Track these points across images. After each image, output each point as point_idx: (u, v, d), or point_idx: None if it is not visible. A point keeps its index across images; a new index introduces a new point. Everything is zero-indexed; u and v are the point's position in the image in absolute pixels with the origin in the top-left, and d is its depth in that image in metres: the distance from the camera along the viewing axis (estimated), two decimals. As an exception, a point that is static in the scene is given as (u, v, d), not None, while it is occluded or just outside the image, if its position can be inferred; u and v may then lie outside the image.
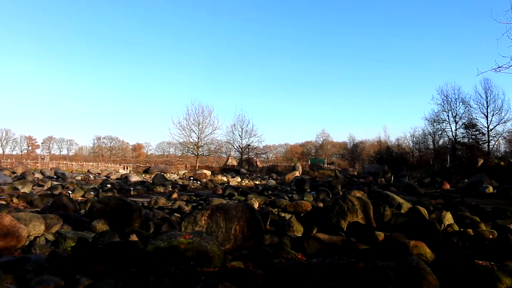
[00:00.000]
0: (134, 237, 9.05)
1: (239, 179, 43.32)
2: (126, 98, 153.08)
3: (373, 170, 52.02)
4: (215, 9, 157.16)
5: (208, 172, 48.72)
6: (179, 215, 13.79)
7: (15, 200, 17.56)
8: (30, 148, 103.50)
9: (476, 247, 8.26)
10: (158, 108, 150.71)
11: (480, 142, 58.99)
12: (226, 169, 63.37)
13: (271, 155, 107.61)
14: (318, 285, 5.58)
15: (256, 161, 73.91)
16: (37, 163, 62.71)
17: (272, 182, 40.68)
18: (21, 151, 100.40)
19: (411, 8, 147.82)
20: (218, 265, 6.45)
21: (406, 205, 14.19)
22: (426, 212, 12.55)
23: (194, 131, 64.66)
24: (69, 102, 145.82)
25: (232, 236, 8.60)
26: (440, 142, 65.97)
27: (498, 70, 11.47)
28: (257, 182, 40.08)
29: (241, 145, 70.69)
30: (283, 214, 14.87)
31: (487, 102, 56.05)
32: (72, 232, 9.18)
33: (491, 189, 26.39)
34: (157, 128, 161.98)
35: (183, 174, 52.70)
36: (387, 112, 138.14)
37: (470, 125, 59.62)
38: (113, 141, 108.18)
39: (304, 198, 19.50)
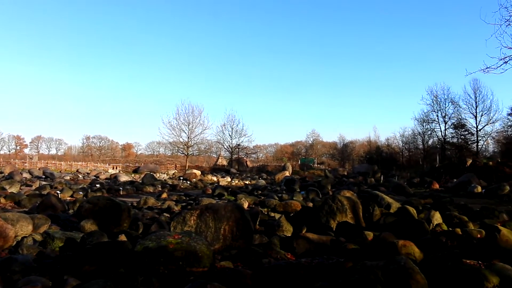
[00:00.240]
0: (123, 237, 9.01)
1: (229, 179, 43.30)
2: (116, 98, 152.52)
3: (363, 170, 52.22)
4: (205, 9, 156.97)
5: (198, 172, 48.68)
6: (169, 215, 13.76)
7: (2, 200, 17.37)
8: (18, 147, 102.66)
9: (464, 246, 8.31)
10: (148, 107, 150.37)
11: (469, 142, 59.56)
12: (216, 169, 63.34)
13: (261, 155, 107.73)
14: (307, 285, 5.58)
15: (246, 161, 73.99)
16: (25, 162, 62.22)
17: (262, 182, 40.70)
18: (9, 151, 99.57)
19: (400, 8, 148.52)
20: (207, 265, 6.43)
21: (395, 205, 14.28)
22: (415, 211, 12.60)
23: (184, 130, 64.68)
24: (58, 101, 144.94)
25: (221, 236, 8.59)
26: (430, 142, 66.53)
27: (486, 71, 11.53)
28: (247, 182, 40.09)
29: (231, 145, 70.77)
30: (272, 214, 14.87)
31: (476, 103, 56.64)
32: (60, 232, 9.12)
33: (479, 188, 26.59)
34: (147, 127, 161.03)
35: (173, 174, 52.65)
36: (377, 112, 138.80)
37: (459, 125, 60.18)
38: (103, 141, 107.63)
39: (294, 198, 19.50)
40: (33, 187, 26.04)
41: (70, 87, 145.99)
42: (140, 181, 35.23)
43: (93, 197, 12.71)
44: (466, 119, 59.42)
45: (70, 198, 20.51)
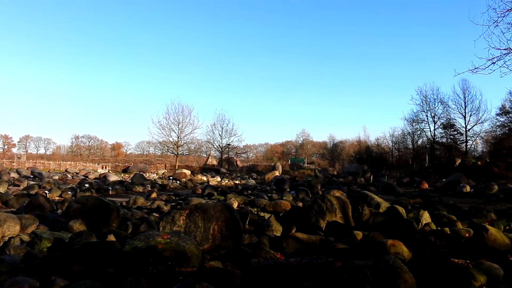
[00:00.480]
0: (111, 237, 8.97)
1: (219, 179, 43.26)
2: (106, 97, 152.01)
3: (353, 170, 52.37)
4: (196, 9, 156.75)
5: (188, 172, 48.60)
6: (158, 215, 13.71)
7: (-11, 200, 17.26)
8: (6, 147, 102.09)
9: (452, 245, 8.34)
10: (137, 107, 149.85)
11: (458, 142, 59.99)
12: (206, 169, 63.34)
13: (251, 154, 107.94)
14: (296, 285, 5.58)
15: (236, 161, 74.02)
16: (13, 162, 61.86)
17: (252, 181, 40.72)
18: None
19: (389, 9, 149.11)
20: (196, 265, 6.41)
21: (384, 205, 14.33)
22: (404, 211, 12.66)
23: (174, 130, 64.59)
24: (47, 100, 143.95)
25: (210, 236, 8.58)
26: (419, 142, 66.96)
27: (474, 71, 11.60)
28: (237, 182, 40.08)
29: (221, 145, 70.77)
30: (262, 214, 14.86)
31: (465, 103, 57.08)
32: (48, 233, 9.04)
33: (468, 188, 26.77)
34: (136, 127, 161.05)
35: (163, 173, 52.52)
36: (367, 112, 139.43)
37: (449, 125, 60.59)
38: (92, 140, 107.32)
39: (284, 198, 19.53)
40: (21, 187, 25.86)
41: (59, 86, 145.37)
42: (130, 181, 35.03)
43: (82, 197, 12.63)
44: (455, 119, 59.89)
45: (58, 198, 20.40)
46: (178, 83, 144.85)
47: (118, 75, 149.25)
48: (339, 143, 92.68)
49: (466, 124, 57.39)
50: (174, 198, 21.53)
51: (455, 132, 60.34)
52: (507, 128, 56.56)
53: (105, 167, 62.94)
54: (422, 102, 62.88)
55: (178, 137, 64.48)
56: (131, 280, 5.80)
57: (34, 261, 6.96)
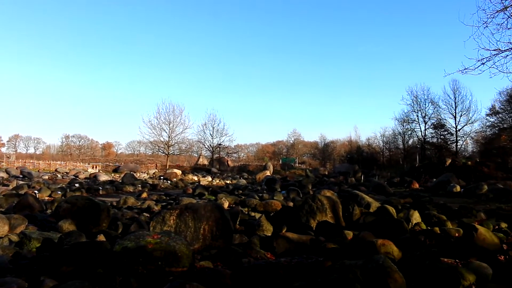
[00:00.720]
0: (101, 237, 8.92)
1: (210, 179, 43.20)
2: (96, 96, 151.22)
3: (344, 170, 52.58)
4: (188, 9, 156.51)
5: (179, 172, 48.49)
6: (148, 215, 13.67)
7: (-22, 200, 17.12)
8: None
9: (442, 245, 8.38)
10: (128, 106, 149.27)
11: (449, 142, 60.44)
12: (197, 169, 63.22)
13: (242, 154, 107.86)
14: (286, 284, 5.58)
15: (227, 161, 73.94)
16: (2, 161, 61.41)
17: (243, 181, 40.68)
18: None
19: (380, 9, 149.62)
20: (186, 265, 6.39)
21: (374, 204, 14.38)
22: (394, 211, 12.70)
23: (164, 130, 64.46)
24: (36, 99, 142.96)
25: (201, 236, 8.56)
26: (410, 142, 67.35)
27: (464, 72, 11.69)
28: (228, 182, 40.02)
29: (212, 144, 70.77)
30: (253, 214, 14.84)
31: (455, 103, 57.56)
32: (38, 233, 8.98)
33: (458, 188, 26.91)
34: (127, 126, 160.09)
35: (153, 173, 52.37)
36: (358, 112, 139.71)
37: (439, 125, 61.05)
38: (82, 140, 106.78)
39: (274, 198, 19.53)
40: (10, 187, 25.69)
41: (49, 85, 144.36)
42: (120, 181, 34.95)
43: (71, 197, 12.58)
44: (445, 119, 60.40)
45: (48, 198, 20.28)
46: (169, 83, 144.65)
47: (109, 75, 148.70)
48: (330, 143, 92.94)
49: (457, 124, 57.91)
50: (164, 198, 21.50)
51: (446, 132, 60.82)
52: (497, 128, 57.02)
53: (96, 167, 62.64)
54: (413, 102, 63.32)
55: (169, 137, 64.41)
56: (121, 280, 5.77)
57: (22, 261, 6.91)
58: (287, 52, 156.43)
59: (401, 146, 68.83)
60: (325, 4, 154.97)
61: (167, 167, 61.65)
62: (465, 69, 11.61)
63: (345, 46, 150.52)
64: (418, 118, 63.03)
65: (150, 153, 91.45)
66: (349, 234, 9.57)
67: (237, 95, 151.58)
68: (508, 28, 10.83)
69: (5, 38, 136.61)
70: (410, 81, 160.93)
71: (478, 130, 60.79)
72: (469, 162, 41.27)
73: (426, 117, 62.06)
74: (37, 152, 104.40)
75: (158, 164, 70.32)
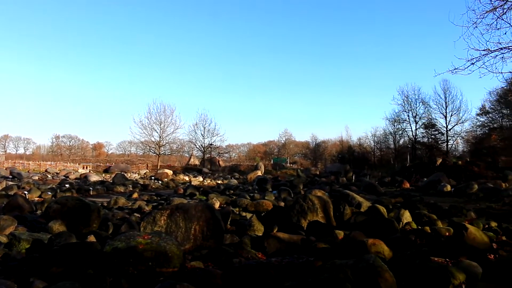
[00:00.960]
0: (92, 238, 8.87)
1: (201, 179, 43.14)
2: (87, 96, 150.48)
3: (335, 169, 52.63)
4: (175, 9, 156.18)
5: (170, 172, 48.44)
6: (139, 215, 13.61)
7: (-34, 201, 16.97)
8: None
9: (432, 244, 8.41)
10: (119, 106, 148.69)
11: (439, 142, 60.89)
12: (188, 169, 63.21)
13: (233, 154, 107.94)
14: (277, 284, 5.58)
15: (218, 161, 73.98)
16: (-8, 162, 61.01)
17: (234, 181, 40.66)
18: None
19: (370, 7, 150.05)
20: (177, 265, 6.37)
21: (365, 204, 14.42)
22: (385, 210, 12.74)
23: (155, 130, 64.41)
24: (26, 99, 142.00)
25: (191, 236, 8.54)
26: (401, 142, 67.77)
27: (454, 72, 11.77)
28: (219, 182, 39.99)
29: (203, 144, 70.76)
30: (244, 214, 14.82)
31: (446, 103, 58.01)
32: (27, 234, 8.92)
33: (449, 187, 27.04)
34: (118, 126, 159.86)
35: (144, 173, 52.21)
36: (349, 112, 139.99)
37: (430, 125, 61.48)
38: (73, 140, 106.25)
39: (266, 198, 19.53)
40: (0, 188, 25.51)
41: (39, 85, 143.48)
42: (111, 181, 34.81)
43: (61, 197, 12.49)
44: (436, 119, 60.86)
45: (38, 198, 20.15)
46: (160, 83, 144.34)
47: (100, 75, 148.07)
48: (321, 143, 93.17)
49: (447, 124, 58.34)
50: (155, 198, 21.42)
51: (436, 132, 61.26)
52: (487, 128, 57.50)
53: (86, 167, 62.41)
54: (404, 102, 63.75)
55: (160, 137, 64.33)
56: (111, 281, 5.75)
57: (12, 263, 6.86)
58: (279, 52, 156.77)
59: (392, 146, 69.23)
60: (317, 4, 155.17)
61: (158, 167, 61.55)
62: (455, 69, 11.69)
63: (337, 46, 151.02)
64: (409, 118, 63.52)
65: (141, 153, 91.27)
66: (340, 233, 9.57)
67: (228, 95, 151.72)
68: (498, 29, 10.92)
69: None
70: (401, 81, 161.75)
71: (468, 130, 61.38)
72: (460, 162, 41.57)
73: (417, 117, 62.51)
74: (27, 153, 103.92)
75: (149, 164, 70.25)
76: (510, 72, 12.66)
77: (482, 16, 10.98)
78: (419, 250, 7.58)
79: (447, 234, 9.65)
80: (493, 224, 11.37)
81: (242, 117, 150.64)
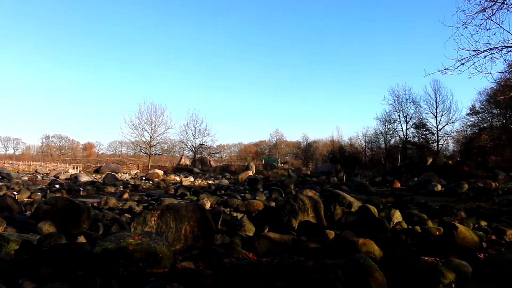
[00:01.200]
0: (82, 239, 8.82)
1: (192, 179, 43.10)
2: (77, 96, 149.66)
3: (326, 169, 52.75)
4: (165, 8, 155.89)
5: (161, 172, 48.30)
6: (130, 216, 13.58)
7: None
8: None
9: (423, 243, 8.46)
10: (110, 106, 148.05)
11: (430, 142, 61.24)
12: (179, 169, 63.06)
13: (225, 154, 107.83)
14: (267, 284, 5.57)
15: (209, 161, 73.87)
16: (-19, 163, 60.53)
17: (225, 181, 40.69)
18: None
19: (360, 6, 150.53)
20: (167, 266, 6.35)
21: (356, 204, 14.48)
22: (375, 210, 12.78)
23: (146, 130, 64.22)
24: (15, 99, 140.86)
25: (182, 236, 8.52)
26: (392, 142, 68.06)
27: (444, 72, 11.80)
28: (210, 182, 40.01)
29: (194, 145, 70.61)
30: (235, 214, 14.84)
31: (436, 103, 58.38)
32: (16, 235, 8.84)
33: (439, 187, 27.18)
34: (108, 127, 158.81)
35: (135, 174, 52.11)
36: (340, 112, 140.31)
37: (420, 125, 61.87)
38: (63, 140, 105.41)
39: (257, 198, 19.56)
40: (-12, 188, 25.32)
41: (28, 84, 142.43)
42: (101, 181, 34.75)
43: (51, 198, 12.42)
44: (426, 119, 61.25)
45: (27, 199, 20.02)
46: (151, 83, 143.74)
47: (90, 75, 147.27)
48: (312, 143, 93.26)
49: (438, 124, 58.72)
50: (146, 198, 21.41)
51: (427, 132, 61.66)
52: (477, 128, 57.84)
53: (76, 168, 62.05)
54: (395, 102, 64.02)
55: (151, 137, 64.21)
56: (101, 282, 5.71)
57: (0, 264, 6.80)
58: (270, 52, 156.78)
59: (383, 146, 69.47)
60: (308, 2, 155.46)
61: (149, 168, 61.44)
62: (445, 69, 11.73)
63: (328, 46, 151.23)
64: (399, 118, 63.78)
65: (132, 154, 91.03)
66: (331, 233, 9.60)
67: (219, 95, 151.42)
68: (487, 29, 10.96)
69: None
70: (391, 81, 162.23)
71: (458, 130, 61.81)
72: (450, 161, 41.77)
73: (407, 116, 62.83)
74: (17, 153, 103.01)
75: (140, 165, 69.96)
76: (500, 72, 12.75)
77: (471, 17, 11.02)
78: (409, 249, 7.61)
79: (437, 233, 9.69)
80: (483, 223, 11.44)
81: (233, 117, 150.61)
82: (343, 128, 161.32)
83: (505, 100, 33.54)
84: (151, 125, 64.32)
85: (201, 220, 8.84)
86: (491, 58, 11.19)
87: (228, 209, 15.71)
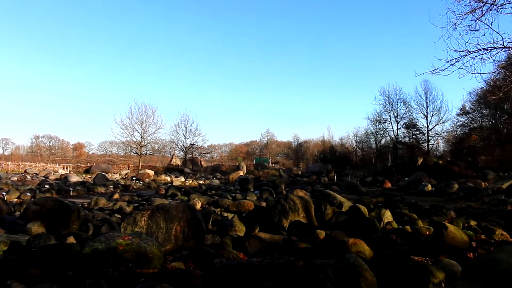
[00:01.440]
0: (71, 239, 8.77)
1: (182, 179, 43.04)
2: (67, 95, 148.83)
3: (317, 169, 52.94)
4: (152, 8, 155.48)
5: (151, 172, 48.17)
6: (120, 216, 13.53)
7: None
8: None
9: (413, 243, 8.48)
10: (100, 106, 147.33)
11: (420, 142, 61.67)
12: (170, 169, 62.90)
13: (215, 154, 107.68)
14: (258, 284, 5.57)
15: (200, 161, 73.75)
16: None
17: (216, 181, 40.67)
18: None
19: (351, 7, 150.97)
20: (158, 266, 6.33)
21: (347, 204, 14.50)
22: (366, 210, 12.80)
23: (137, 130, 64.20)
24: (4, 98, 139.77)
25: (172, 237, 8.49)
26: (382, 142, 68.44)
27: (434, 72, 11.89)
28: (201, 182, 39.98)
29: (185, 145, 70.63)
30: (225, 214, 14.83)
31: (426, 103, 58.80)
32: (5, 236, 8.77)
33: (429, 187, 27.32)
34: (99, 127, 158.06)
35: (126, 174, 51.93)
36: (331, 112, 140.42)
37: (411, 125, 62.28)
38: (53, 140, 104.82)
39: (247, 198, 19.54)
40: (-23, 189, 25.13)
41: (17, 83, 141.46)
42: (92, 182, 34.58)
43: (41, 198, 12.34)
44: (417, 119, 61.68)
45: (17, 199, 19.90)
46: (142, 83, 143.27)
47: (80, 74, 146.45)
48: (303, 143, 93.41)
49: (428, 124, 59.11)
50: (137, 198, 21.36)
51: (417, 132, 62.07)
52: (467, 128, 58.34)
53: (66, 168, 61.84)
54: (385, 102, 64.40)
55: (141, 137, 64.18)
56: (91, 283, 5.68)
57: (-11, 265, 6.76)
58: (261, 52, 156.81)
59: (373, 146, 69.83)
60: (299, 3, 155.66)
61: (140, 168, 61.26)
62: (435, 69, 11.81)
63: (319, 46, 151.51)
64: (390, 118, 64.16)
65: (122, 154, 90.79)
66: (321, 233, 9.61)
67: (210, 95, 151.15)
68: (476, 30, 11.03)
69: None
70: (382, 81, 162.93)
71: (449, 130, 62.29)
72: (440, 161, 42.03)
73: (398, 117, 63.20)
74: (6, 153, 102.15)
75: (130, 165, 69.73)
76: (489, 73, 12.84)
77: (461, 18, 11.10)
78: (399, 249, 7.64)
79: (427, 233, 9.73)
80: (473, 223, 11.48)
81: (224, 117, 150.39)
82: (334, 128, 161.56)
83: (495, 100, 33.84)
84: (141, 125, 64.32)
85: (191, 221, 8.82)
86: (481, 58, 11.28)
87: (218, 209, 15.69)
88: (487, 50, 11.13)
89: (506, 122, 48.53)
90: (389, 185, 33.31)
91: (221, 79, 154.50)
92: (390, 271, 6.07)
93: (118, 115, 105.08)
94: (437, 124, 59.17)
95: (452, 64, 11.46)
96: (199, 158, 74.94)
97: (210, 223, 11.70)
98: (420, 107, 59.94)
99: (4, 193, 20.40)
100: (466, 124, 58.88)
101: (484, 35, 10.99)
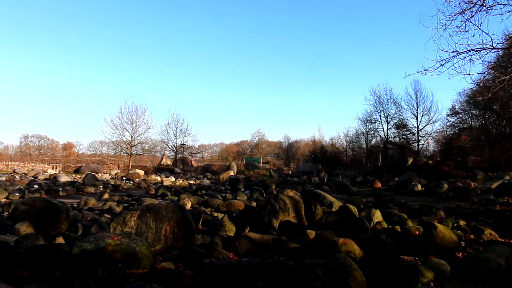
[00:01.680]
0: (60, 240, 8.71)
1: (173, 179, 42.91)
2: (56, 95, 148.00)
3: (308, 169, 52.98)
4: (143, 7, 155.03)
5: (142, 172, 47.99)
6: (110, 216, 13.47)
7: None
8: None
9: (402, 243, 8.52)
10: (90, 105, 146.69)
11: (410, 142, 62.06)
12: (160, 169, 62.70)
13: (206, 154, 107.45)
14: (247, 284, 5.56)
15: (191, 161, 73.54)
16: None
17: (207, 181, 40.59)
18: None
19: (342, 6, 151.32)
20: (147, 267, 6.31)
21: (337, 204, 14.53)
22: (356, 210, 12.83)
23: (127, 129, 63.76)
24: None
25: (162, 237, 8.46)
26: (373, 142, 68.72)
27: (424, 73, 11.95)
28: (191, 182, 39.88)
29: (175, 144, 70.41)
30: (216, 214, 14.81)
31: (417, 104, 59.21)
32: (-7, 236, 8.74)
33: (419, 187, 27.46)
34: (89, 126, 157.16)
35: (116, 174, 51.65)
36: (322, 113, 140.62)
37: (401, 125, 62.65)
38: (42, 140, 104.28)
39: (238, 198, 19.54)
40: (-35, 189, 24.89)
41: (5, 83, 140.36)
42: (81, 182, 34.42)
43: (29, 199, 12.26)
44: (407, 119, 62.07)
45: (5, 200, 19.73)
46: (132, 82, 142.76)
47: (70, 73, 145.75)
48: (294, 143, 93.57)
49: (418, 124, 59.52)
50: (126, 198, 21.24)
51: (408, 132, 62.43)
52: (457, 128, 58.69)
53: (56, 168, 61.34)
54: (376, 103, 64.65)
55: (131, 137, 63.77)
56: (80, 283, 5.65)
57: (-24, 266, 6.70)
58: (251, 51, 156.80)
59: (364, 146, 70.06)
60: (289, 2, 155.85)
61: (130, 168, 61.00)
62: (425, 70, 11.88)
63: (309, 46, 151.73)
64: (380, 118, 64.46)
65: (112, 154, 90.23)
66: (311, 233, 9.62)
67: (200, 95, 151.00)
68: (466, 31, 11.11)
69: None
70: (373, 81, 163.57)
71: (439, 130, 62.69)
72: (430, 161, 42.21)
73: (388, 117, 63.50)
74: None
75: (120, 165, 69.38)
76: (478, 73, 12.95)
77: (451, 19, 11.17)
78: (389, 249, 7.65)
79: (417, 233, 9.78)
80: (462, 222, 11.56)
81: (214, 117, 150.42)
82: (325, 128, 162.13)
83: (484, 101, 34.07)
84: (132, 124, 63.94)
85: (181, 221, 8.79)
86: (470, 59, 11.36)
87: (209, 209, 15.69)
88: (477, 51, 11.21)
89: (495, 122, 48.83)
90: (379, 185, 33.45)
91: (212, 79, 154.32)
92: (379, 271, 6.09)
93: (108, 115, 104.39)
94: (427, 124, 59.71)
95: (442, 65, 11.54)
96: (189, 158, 74.73)
97: (200, 223, 11.69)
98: (410, 108, 60.38)
99: (-8, 194, 20.24)
100: (455, 125, 59.26)
101: (473, 36, 11.08)
